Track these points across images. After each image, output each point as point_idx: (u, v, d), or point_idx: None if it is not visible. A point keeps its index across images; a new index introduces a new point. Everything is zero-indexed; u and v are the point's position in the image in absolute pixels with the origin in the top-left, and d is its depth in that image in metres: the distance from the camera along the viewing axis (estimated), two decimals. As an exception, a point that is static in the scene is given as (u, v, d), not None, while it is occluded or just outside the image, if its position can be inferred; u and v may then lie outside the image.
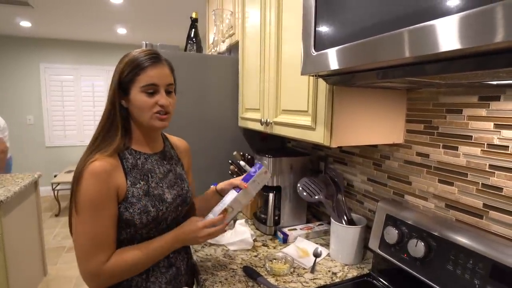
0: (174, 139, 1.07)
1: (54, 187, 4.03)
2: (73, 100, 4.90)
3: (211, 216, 0.90)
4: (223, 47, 1.91)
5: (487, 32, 0.39)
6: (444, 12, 0.44)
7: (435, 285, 0.81)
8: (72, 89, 4.88)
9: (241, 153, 1.56)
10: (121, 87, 0.84)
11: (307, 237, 1.32)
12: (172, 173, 0.95)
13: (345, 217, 1.18)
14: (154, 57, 0.84)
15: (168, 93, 0.87)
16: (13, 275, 2.02)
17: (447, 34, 0.44)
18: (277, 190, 1.37)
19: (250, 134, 1.75)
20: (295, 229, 1.35)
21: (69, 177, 4.07)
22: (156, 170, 0.90)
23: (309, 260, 1.13)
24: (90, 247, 0.77)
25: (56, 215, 4.04)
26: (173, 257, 0.93)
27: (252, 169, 1.00)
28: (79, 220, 0.77)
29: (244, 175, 1.00)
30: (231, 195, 0.95)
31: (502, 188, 0.79)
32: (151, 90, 0.82)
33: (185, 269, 0.99)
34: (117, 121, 0.85)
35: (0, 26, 4.01)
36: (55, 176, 4.66)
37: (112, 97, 0.84)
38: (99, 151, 0.82)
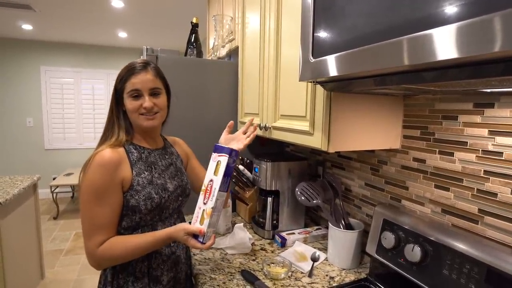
0: (171, 138, 1.18)
1: (52, 189, 4.02)
2: (73, 103, 4.92)
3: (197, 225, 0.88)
4: (223, 52, 1.93)
5: (484, 41, 0.39)
6: (442, 21, 0.45)
7: (431, 290, 0.82)
8: (72, 92, 4.90)
9: (240, 157, 1.57)
10: (117, 94, 0.95)
11: (305, 241, 1.33)
12: (173, 166, 1.04)
13: (343, 222, 1.19)
14: (140, 66, 0.93)
15: (154, 95, 0.95)
16: (11, 278, 2.01)
17: (444, 43, 0.44)
18: (275, 194, 1.38)
19: (249, 138, 1.76)
20: (293, 233, 1.35)
21: (68, 180, 4.06)
22: (158, 162, 1.00)
23: (307, 264, 1.13)
24: (89, 230, 0.85)
25: (55, 218, 4.02)
26: (173, 246, 1.01)
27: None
28: (83, 204, 0.86)
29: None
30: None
31: (497, 194, 0.80)
32: (135, 94, 0.92)
33: (185, 257, 1.05)
34: (114, 121, 0.96)
35: (2, 29, 4.04)
36: (54, 178, 4.65)
37: (111, 102, 0.97)
38: (104, 143, 0.93)
